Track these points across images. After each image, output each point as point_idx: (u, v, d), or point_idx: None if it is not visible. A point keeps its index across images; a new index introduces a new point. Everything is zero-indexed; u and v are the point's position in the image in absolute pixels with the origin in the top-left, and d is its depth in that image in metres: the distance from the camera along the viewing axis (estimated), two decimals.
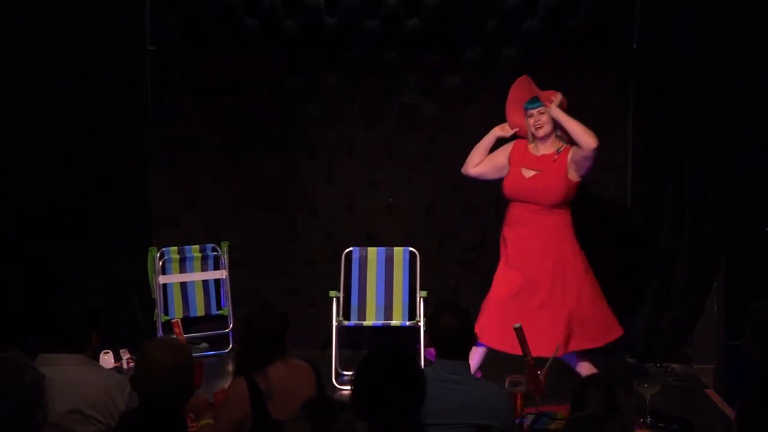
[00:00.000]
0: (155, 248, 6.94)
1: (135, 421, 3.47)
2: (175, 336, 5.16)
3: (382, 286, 6.60)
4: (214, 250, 7.08)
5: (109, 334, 5.13)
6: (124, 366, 6.51)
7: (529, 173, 5.79)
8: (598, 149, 5.65)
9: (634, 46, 6.87)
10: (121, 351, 6.61)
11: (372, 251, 6.73)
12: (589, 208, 7.19)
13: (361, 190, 7.23)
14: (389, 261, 6.67)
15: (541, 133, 5.80)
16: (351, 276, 6.68)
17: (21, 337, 4.10)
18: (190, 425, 3.93)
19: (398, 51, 7.11)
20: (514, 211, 5.84)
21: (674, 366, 6.74)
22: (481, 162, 5.96)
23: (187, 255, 7.04)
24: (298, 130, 7.19)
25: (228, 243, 7.09)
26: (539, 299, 5.71)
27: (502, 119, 7.15)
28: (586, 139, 5.66)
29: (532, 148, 5.85)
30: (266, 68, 7.12)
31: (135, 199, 6.97)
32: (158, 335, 6.78)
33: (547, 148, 5.81)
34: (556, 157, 5.78)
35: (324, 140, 7.23)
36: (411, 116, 7.20)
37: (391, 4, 7.02)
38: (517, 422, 4.39)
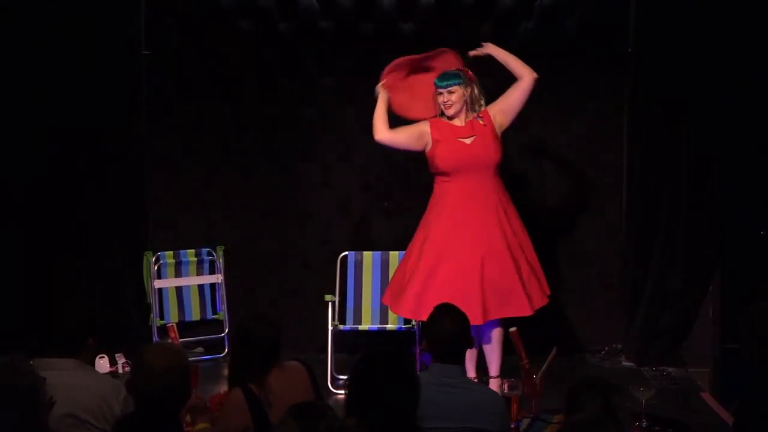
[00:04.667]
0: (151, 252, 6.94)
1: (131, 426, 3.47)
2: (170, 340, 5.16)
3: (378, 290, 6.59)
4: (209, 254, 7.08)
5: (104, 338, 5.11)
6: (120, 370, 6.48)
7: (467, 140, 5.77)
8: (537, 79, 5.84)
9: (630, 49, 6.87)
10: (116, 355, 6.59)
11: (367, 255, 6.72)
12: (584, 210, 7.22)
13: (357, 194, 7.23)
14: (384, 265, 6.66)
15: (451, 111, 5.78)
16: (346, 280, 6.67)
17: (17, 341, 4.09)
18: (185, 428, 3.93)
19: (393, 54, 7.08)
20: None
21: (670, 369, 6.74)
22: (389, 128, 5.86)
23: (183, 259, 7.04)
24: (294, 134, 7.20)
25: (223, 247, 7.09)
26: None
27: None
28: (527, 70, 5.86)
29: (452, 121, 5.82)
30: (261, 71, 7.13)
31: (131, 203, 6.95)
32: (154, 340, 6.78)
33: (465, 118, 5.81)
34: (482, 122, 5.80)
35: (319, 143, 7.24)
36: (406, 119, 7.19)
37: (386, 7, 7.02)
38: (512, 426, 4.39)
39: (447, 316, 4.13)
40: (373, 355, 3.47)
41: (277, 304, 7.06)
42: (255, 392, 4.03)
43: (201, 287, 7.12)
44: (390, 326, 6.56)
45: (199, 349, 7.05)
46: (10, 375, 3.20)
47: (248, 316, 4.29)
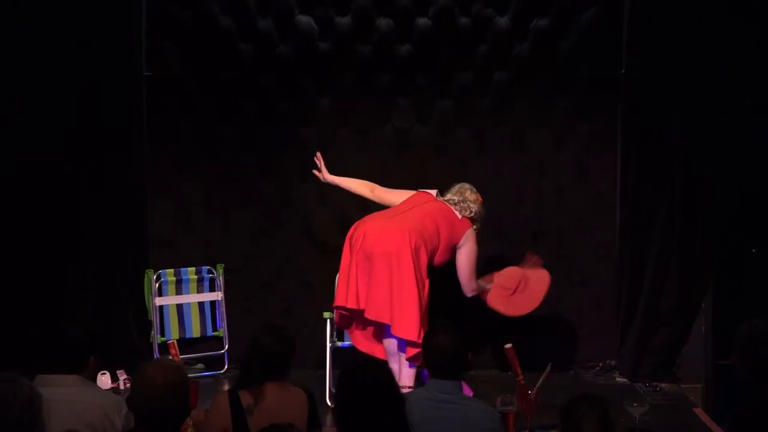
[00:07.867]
0: (152, 270, 6.99)
1: None
2: (171, 357, 5.20)
3: None
4: (209, 272, 7.13)
5: (106, 355, 5.17)
6: (121, 387, 6.54)
7: None
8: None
9: (623, 71, 6.94)
10: (118, 372, 6.65)
11: None
12: (578, 228, 7.27)
13: (355, 213, 7.26)
14: None
15: None
16: None
17: (19, 359, 4.14)
18: None
19: (391, 75, 7.18)
20: None
21: (663, 385, 6.77)
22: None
23: (183, 277, 7.09)
24: (292, 153, 7.24)
25: (223, 265, 7.15)
26: None
27: (492, 141, 7.27)
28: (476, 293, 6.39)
29: None
30: (260, 92, 7.19)
31: (131, 222, 6.99)
32: (155, 356, 6.81)
33: None
34: None
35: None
36: (403, 139, 7.27)
37: (383, 29, 7.09)
38: None
39: (444, 331, 4.18)
40: (351, 369, 3.51)
41: (276, 321, 7.09)
42: (242, 399, 4.11)
43: (201, 305, 7.17)
44: None
45: (200, 366, 7.09)
46: (6, 389, 3.25)
47: (265, 325, 4.38)
